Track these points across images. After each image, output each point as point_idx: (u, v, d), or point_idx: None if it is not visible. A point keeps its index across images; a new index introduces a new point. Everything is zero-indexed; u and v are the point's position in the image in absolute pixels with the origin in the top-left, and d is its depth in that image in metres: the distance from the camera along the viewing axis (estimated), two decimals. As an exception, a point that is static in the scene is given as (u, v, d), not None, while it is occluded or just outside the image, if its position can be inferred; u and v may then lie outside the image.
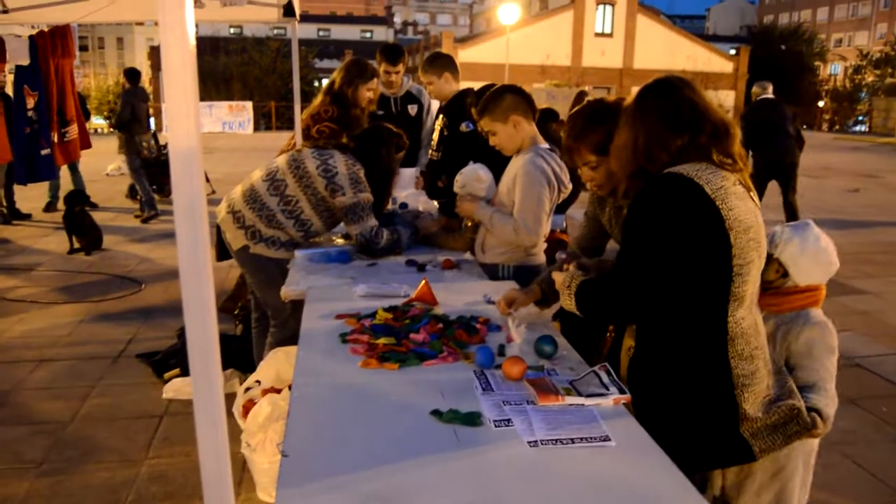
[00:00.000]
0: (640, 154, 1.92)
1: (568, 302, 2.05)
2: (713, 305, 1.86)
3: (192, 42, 0.96)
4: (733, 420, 1.91)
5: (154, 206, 9.78)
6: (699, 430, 1.91)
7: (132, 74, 10.02)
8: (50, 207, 10.10)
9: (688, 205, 1.79)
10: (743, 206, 1.83)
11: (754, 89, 8.66)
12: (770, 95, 8.49)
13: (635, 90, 2.06)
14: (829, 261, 2.26)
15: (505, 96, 3.22)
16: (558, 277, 2.12)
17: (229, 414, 3.20)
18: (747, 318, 1.91)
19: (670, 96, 1.92)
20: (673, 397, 1.93)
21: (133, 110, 9.62)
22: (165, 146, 10.52)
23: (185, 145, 0.96)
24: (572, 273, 2.08)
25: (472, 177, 3.56)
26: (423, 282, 2.65)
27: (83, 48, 46.38)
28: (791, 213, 8.40)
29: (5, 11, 5.17)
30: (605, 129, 2.22)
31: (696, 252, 1.81)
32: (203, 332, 1.04)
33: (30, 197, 9.73)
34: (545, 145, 3.29)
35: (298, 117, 5.11)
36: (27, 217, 9.55)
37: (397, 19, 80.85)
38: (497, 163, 3.63)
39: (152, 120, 14.41)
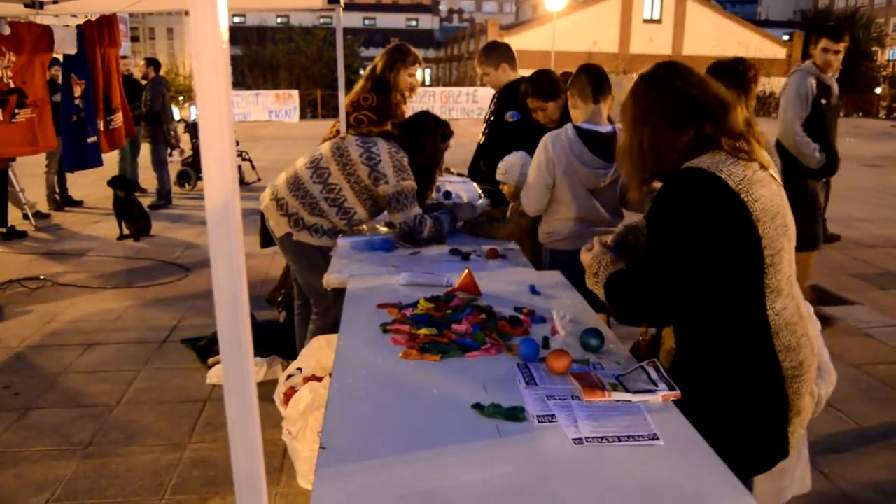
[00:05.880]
0: (650, 157, 1.88)
1: (594, 287, 2.01)
2: (750, 301, 1.79)
3: (225, 31, 0.92)
4: (783, 417, 1.85)
5: (166, 198, 9.92)
6: (749, 432, 1.84)
7: (156, 63, 10.12)
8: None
9: (712, 199, 1.74)
10: (767, 192, 1.77)
11: None
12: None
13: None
14: None
15: (579, 76, 3.32)
16: (585, 258, 2.07)
17: (271, 401, 3.21)
18: (789, 306, 1.84)
19: (664, 91, 1.87)
20: (721, 399, 1.85)
21: (163, 99, 9.78)
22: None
23: (218, 134, 0.93)
24: (600, 258, 2.01)
25: (513, 163, 3.61)
26: (466, 271, 2.59)
27: (135, 39, 47.43)
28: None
29: (56, 2, 5.24)
30: None
31: (726, 248, 1.74)
32: (236, 332, 1.00)
33: (82, 184, 9.92)
34: (607, 126, 3.30)
35: (343, 106, 5.08)
36: (79, 203, 9.74)
37: (443, 7, 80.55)
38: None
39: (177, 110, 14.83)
